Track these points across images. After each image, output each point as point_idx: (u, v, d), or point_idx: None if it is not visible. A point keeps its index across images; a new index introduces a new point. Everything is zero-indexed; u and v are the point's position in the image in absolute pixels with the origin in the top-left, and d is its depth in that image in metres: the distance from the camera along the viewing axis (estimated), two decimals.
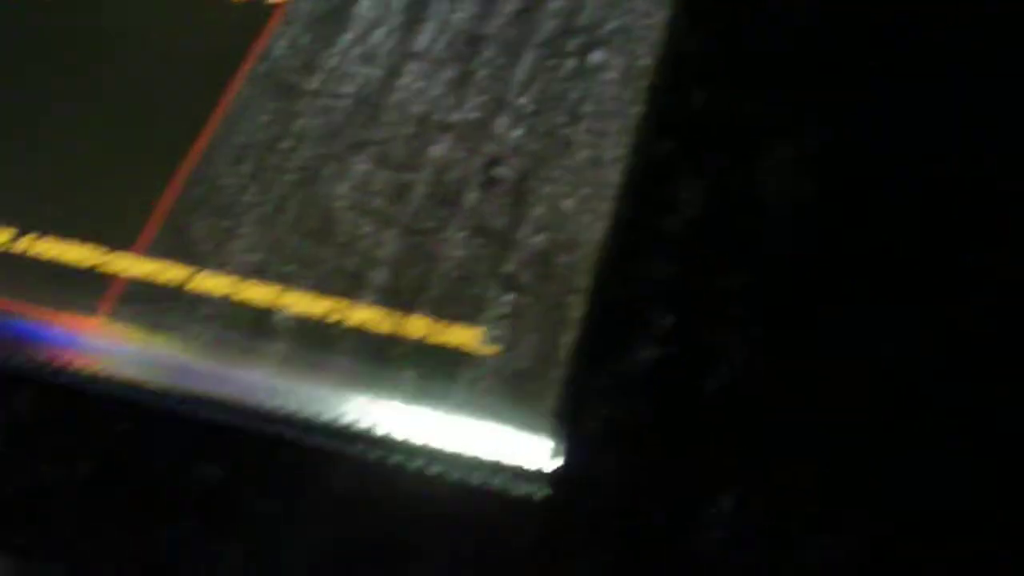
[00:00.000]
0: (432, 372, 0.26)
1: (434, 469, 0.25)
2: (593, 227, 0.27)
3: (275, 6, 0.32)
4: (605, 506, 0.24)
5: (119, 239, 0.28)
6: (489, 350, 0.26)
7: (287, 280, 0.27)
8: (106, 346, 0.27)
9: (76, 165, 0.30)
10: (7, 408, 0.27)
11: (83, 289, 0.27)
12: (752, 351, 0.26)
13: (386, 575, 0.24)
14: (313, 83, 0.30)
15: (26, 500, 0.25)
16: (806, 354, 0.26)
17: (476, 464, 0.25)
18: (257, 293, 0.27)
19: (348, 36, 0.31)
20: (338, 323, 0.26)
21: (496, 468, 0.25)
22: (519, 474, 0.25)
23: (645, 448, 0.25)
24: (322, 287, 0.27)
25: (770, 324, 0.26)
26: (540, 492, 0.25)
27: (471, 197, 0.28)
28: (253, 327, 0.26)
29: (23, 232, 0.28)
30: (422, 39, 0.31)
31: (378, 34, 0.31)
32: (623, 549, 0.24)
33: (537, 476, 0.25)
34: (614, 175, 0.28)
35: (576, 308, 0.26)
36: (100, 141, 0.30)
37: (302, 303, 0.27)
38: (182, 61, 0.31)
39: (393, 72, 0.30)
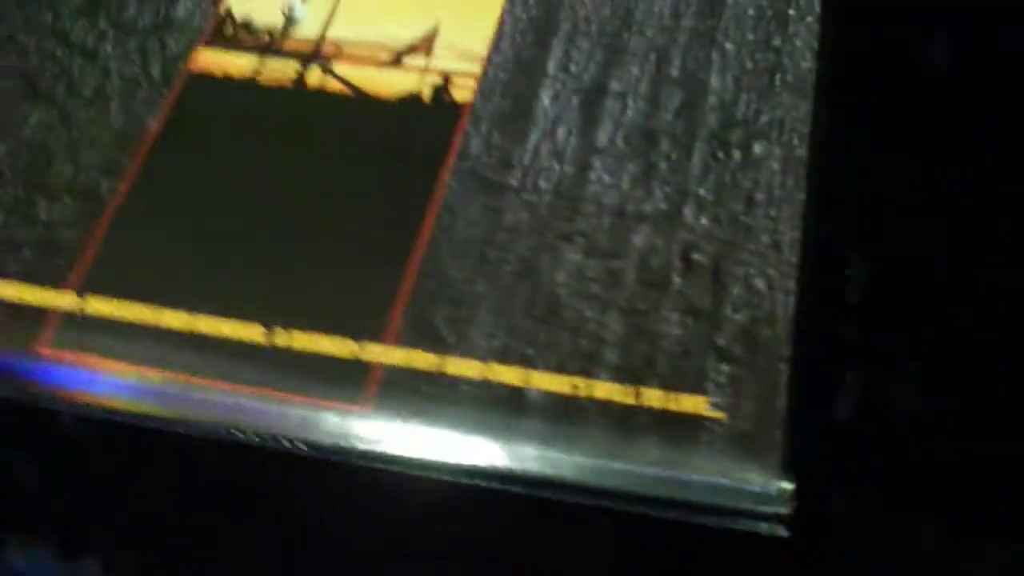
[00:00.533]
0: (672, 438, 0.30)
1: (692, 518, 0.30)
2: (785, 302, 0.32)
3: (462, 106, 0.36)
4: (837, 540, 0.29)
5: (369, 330, 0.32)
6: (716, 415, 0.31)
7: (529, 361, 0.31)
8: (375, 430, 0.31)
9: (314, 260, 0.33)
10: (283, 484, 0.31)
11: (345, 378, 0.31)
12: (933, 400, 0.31)
13: None
14: (513, 179, 0.35)
15: None
16: (988, 396, 0.31)
17: (720, 511, 0.30)
18: (506, 374, 0.31)
19: (535, 134, 0.35)
20: (582, 398, 0.31)
21: (738, 513, 0.30)
22: (759, 516, 0.30)
23: (866, 490, 0.30)
24: (562, 367, 0.31)
25: (941, 375, 0.32)
26: (779, 531, 0.30)
27: (676, 280, 0.33)
28: (507, 405, 0.31)
29: (275, 326, 0.32)
30: (602, 136, 0.35)
31: (561, 132, 0.35)
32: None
33: (775, 517, 0.30)
34: (793, 256, 0.33)
35: (783, 373, 0.31)
36: (331, 237, 0.34)
37: (547, 381, 0.31)
38: (390, 160, 0.35)
39: (582, 167, 0.35)
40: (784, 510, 0.29)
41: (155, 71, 0.38)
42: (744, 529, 0.30)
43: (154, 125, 0.37)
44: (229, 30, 0.39)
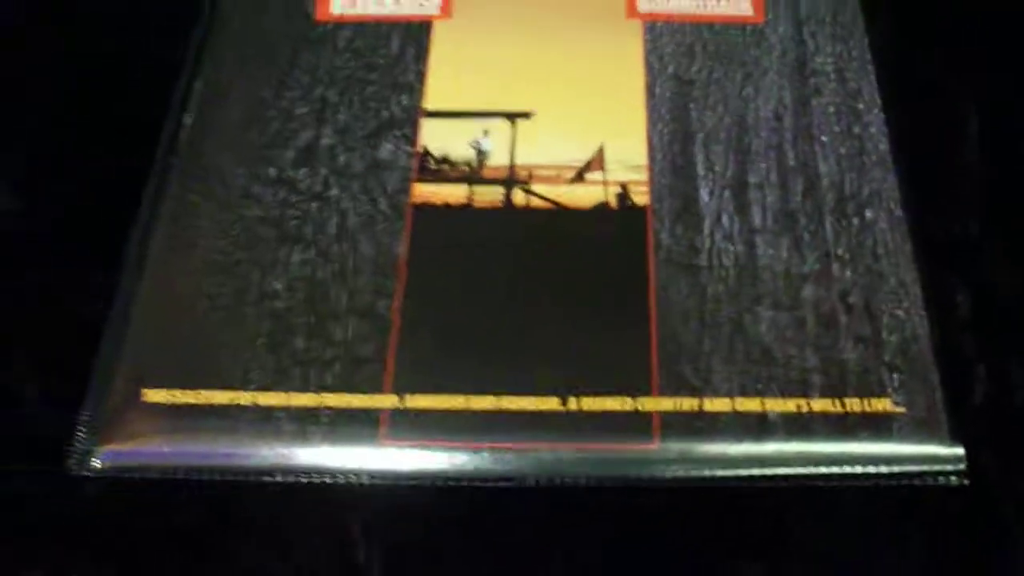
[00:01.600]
0: (875, 430, 0.43)
1: (900, 483, 0.43)
2: (921, 323, 0.46)
3: (644, 208, 0.48)
4: (997, 487, 0.43)
5: (639, 388, 0.44)
6: (899, 410, 0.44)
7: (761, 393, 0.44)
8: (657, 465, 0.43)
9: (579, 340, 0.45)
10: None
11: (631, 425, 0.43)
12: None
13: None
14: (703, 261, 0.47)
15: None
16: None
17: (918, 475, 0.43)
18: (748, 404, 0.44)
19: (707, 223, 0.48)
20: (805, 414, 0.44)
21: (930, 474, 0.43)
22: (944, 474, 0.43)
23: (1009, 450, 0.44)
24: (784, 393, 0.44)
25: None
26: (959, 481, 0.43)
27: (842, 319, 0.46)
28: (755, 426, 0.43)
29: (569, 394, 0.44)
30: (756, 218, 0.48)
31: (725, 219, 0.48)
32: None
33: (955, 473, 0.43)
34: (916, 290, 0.47)
35: (936, 374, 0.45)
36: (582, 322, 0.45)
37: (779, 405, 0.44)
38: (604, 256, 0.47)
39: (750, 244, 0.48)
40: (961, 467, 0.43)
41: (384, 206, 0.49)
42: (937, 484, 0.43)
43: (402, 250, 0.48)
44: (432, 165, 0.50)
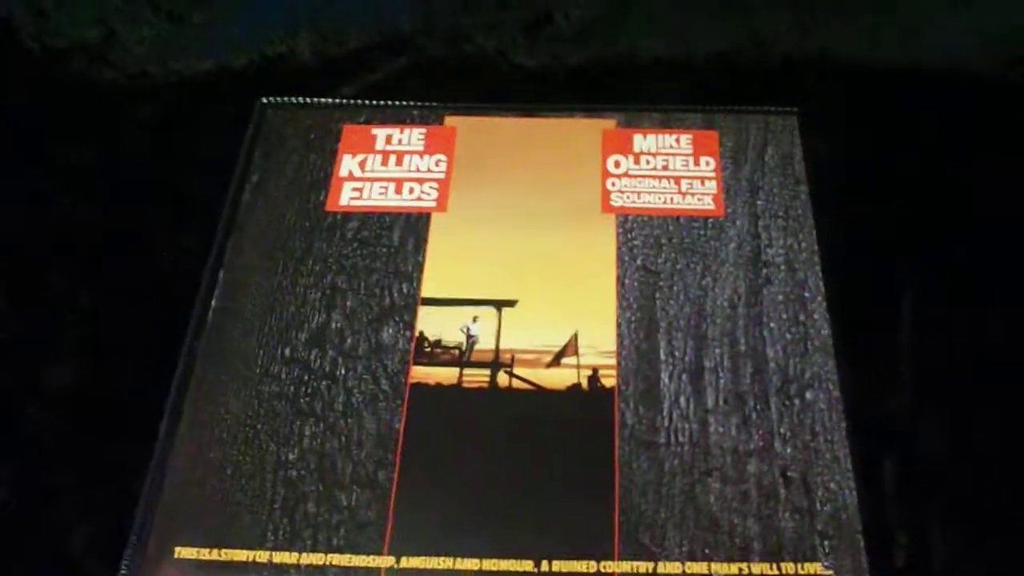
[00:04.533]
0: None
1: None
2: (851, 496, 0.57)
3: (612, 390, 0.60)
4: None
5: (601, 551, 0.55)
6: (829, 573, 0.55)
7: (708, 557, 0.55)
8: None
9: (548, 509, 0.56)
10: None
11: None
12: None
13: None
14: (661, 438, 0.58)
15: None
16: None
17: None
18: (696, 568, 0.55)
19: (665, 405, 0.59)
20: (748, 575, 0.54)
21: None
22: None
23: None
24: (729, 557, 0.55)
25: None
26: None
27: (782, 492, 0.57)
28: None
29: (542, 558, 0.55)
30: (709, 400, 0.60)
31: (682, 400, 0.60)
32: None
33: None
34: (848, 465, 0.58)
35: (860, 541, 0.55)
36: (552, 490, 0.56)
37: (724, 568, 0.55)
38: (575, 433, 0.58)
39: (703, 423, 0.59)
40: None
41: (385, 385, 0.60)
42: None
43: (400, 426, 0.59)
44: (427, 348, 0.62)
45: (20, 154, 0.70)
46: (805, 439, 0.58)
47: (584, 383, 0.60)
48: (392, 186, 0.68)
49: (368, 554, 0.55)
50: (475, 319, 0.62)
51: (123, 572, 0.55)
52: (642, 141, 0.69)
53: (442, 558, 0.54)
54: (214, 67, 0.74)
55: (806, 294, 0.63)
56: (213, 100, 0.73)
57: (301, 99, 0.72)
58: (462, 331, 0.62)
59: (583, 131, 0.70)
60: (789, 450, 0.58)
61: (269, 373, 0.61)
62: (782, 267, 0.64)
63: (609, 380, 0.60)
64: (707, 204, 0.66)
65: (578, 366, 0.60)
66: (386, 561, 0.54)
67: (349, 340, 0.62)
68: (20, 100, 0.72)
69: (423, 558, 0.54)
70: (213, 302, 0.64)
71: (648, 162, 0.68)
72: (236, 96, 0.71)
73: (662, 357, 0.61)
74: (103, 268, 0.67)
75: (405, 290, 0.63)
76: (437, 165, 0.69)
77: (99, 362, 0.63)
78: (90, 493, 0.59)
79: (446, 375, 0.60)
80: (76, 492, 0.59)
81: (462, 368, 0.61)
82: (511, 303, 0.63)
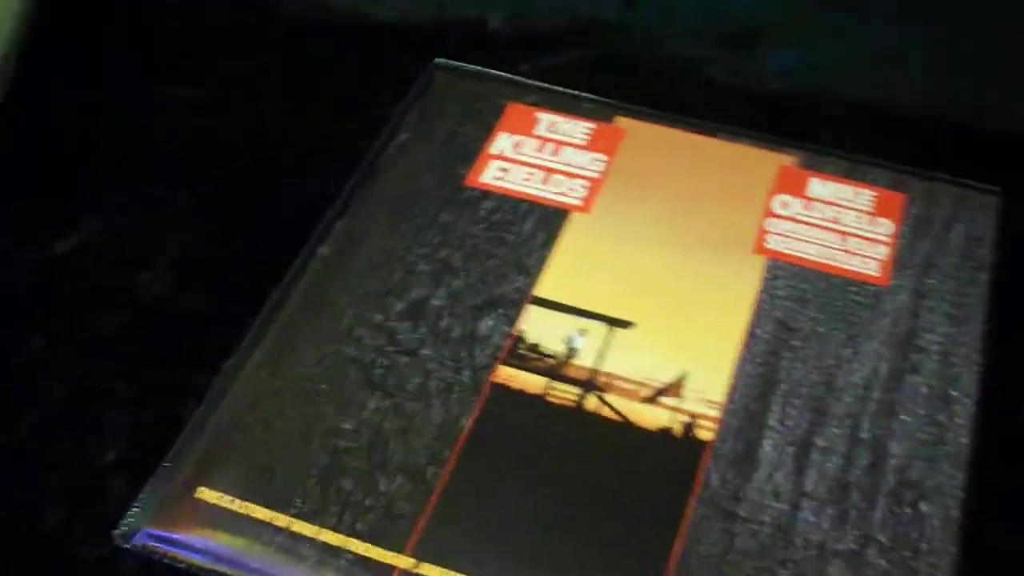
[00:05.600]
0: None
1: None
2: None
3: (706, 444, 0.52)
4: None
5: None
6: None
7: None
8: None
9: (587, 557, 0.49)
10: None
11: None
12: None
13: None
14: (742, 510, 0.50)
15: None
16: None
17: None
18: None
19: (760, 474, 0.51)
20: None
21: None
22: None
23: None
24: None
25: None
26: None
27: None
28: None
29: None
30: (809, 482, 0.51)
31: (779, 475, 0.51)
32: None
33: None
34: None
35: None
36: (601, 540, 0.49)
37: None
38: (649, 481, 0.51)
39: (794, 506, 0.50)
40: None
41: (466, 377, 0.54)
42: None
43: (467, 424, 0.52)
44: (522, 349, 0.55)
45: (186, 66, 0.67)
46: (904, 554, 0.49)
47: (678, 429, 0.52)
48: (541, 175, 0.62)
49: (389, 549, 0.49)
50: (582, 332, 0.55)
51: (142, 496, 0.51)
52: (819, 186, 0.61)
53: (460, 574, 0.48)
54: (398, 18, 0.69)
55: (953, 393, 0.53)
56: (390, 50, 0.68)
57: (476, 67, 0.66)
58: (564, 341, 0.55)
59: (757, 162, 0.62)
60: (883, 562, 0.48)
61: (352, 335, 0.56)
62: (935, 356, 0.54)
63: (706, 433, 0.52)
64: (872, 269, 0.58)
65: (677, 409, 0.53)
66: (404, 561, 0.48)
67: (445, 321, 0.56)
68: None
69: (443, 570, 0.48)
70: (322, 248, 0.59)
71: (819, 210, 0.60)
72: (412, 51, 0.67)
73: (771, 423, 0.52)
74: (227, 189, 0.63)
75: (519, 284, 0.57)
76: (594, 163, 0.62)
77: (192, 281, 0.59)
78: (141, 409, 0.55)
79: (533, 383, 0.54)
80: (128, 405, 0.55)
81: (553, 380, 0.54)
82: (626, 324, 0.56)
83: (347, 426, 0.53)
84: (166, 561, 0.50)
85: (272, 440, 0.52)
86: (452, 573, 0.48)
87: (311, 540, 0.49)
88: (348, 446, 0.52)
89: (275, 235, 0.61)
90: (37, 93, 0.67)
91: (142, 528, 0.50)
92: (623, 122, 0.64)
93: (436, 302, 0.57)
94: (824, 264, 0.58)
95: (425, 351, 0.55)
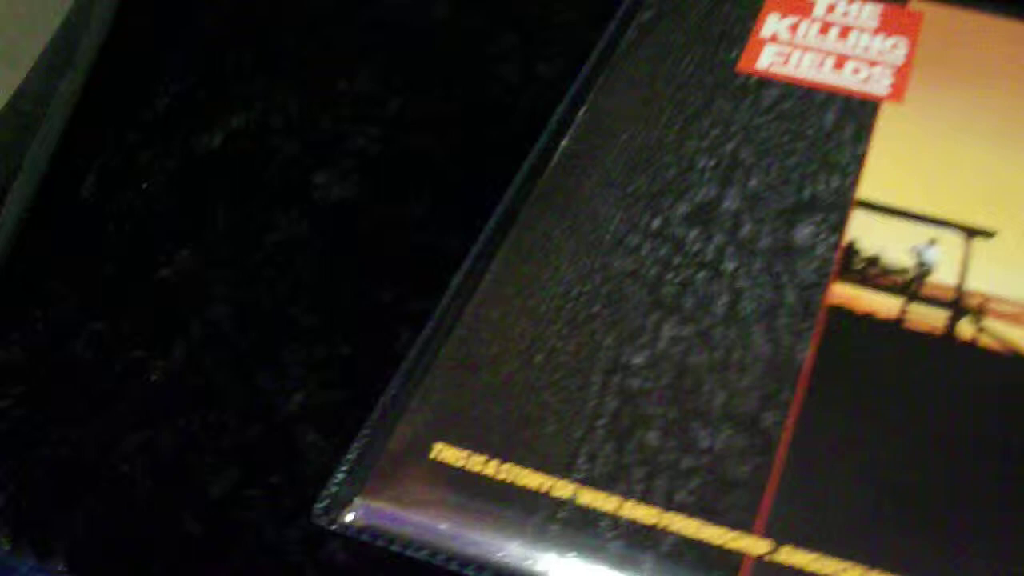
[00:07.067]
0: None
1: None
2: None
3: None
4: None
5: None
6: None
7: None
8: None
9: (976, 516, 0.32)
10: None
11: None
12: None
13: None
14: None
15: None
16: None
17: None
18: None
19: None
20: None
21: None
22: None
23: None
24: None
25: None
26: None
27: None
28: None
29: None
30: None
31: None
32: None
33: None
34: None
35: None
36: (990, 495, 0.32)
37: None
38: None
39: None
40: None
41: (791, 297, 0.38)
42: None
43: (807, 357, 0.36)
44: (857, 264, 0.39)
45: None
46: None
47: None
48: (831, 60, 0.45)
49: (732, 528, 0.32)
50: (932, 242, 0.39)
51: (348, 458, 0.34)
52: None
53: (838, 560, 0.31)
54: None
55: None
56: None
57: None
58: (912, 254, 0.39)
59: None
60: None
61: (625, 244, 0.39)
62: None
63: None
64: None
65: None
66: (758, 546, 0.32)
67: (747, 228, 0.39)
68: None
69: (815, 555, 0.31)
70: (564, 141, 0.42)
71: None
72: None
73: None
74: (430, 73, 0.47)
75: (834, 185, 0.41)
76: (895, 48, 0.46)
77: (381, 185, 0.43)
78: (335, 340, 0.38)
79: (883, 305, 0.37)
80: (316, 336, 0.38)
81: (908, 301, 0.37)
82: (987, 234, 0.39)
83: (637, 360, 0.36)
84: (387, 545, 0.33)
85: (534, 378, 0.36)
86: (826, 559, 0.31)
87: (611, 517, 0.32)
88: (643, 387, 0.35)
89: (495, 128, 0.44)
90: None
91: (353, 501, 0.34)
92: (919, 5, 0.48)
93: (729, 204, 0.40)
94: None
95: (728, 264, 0.39)
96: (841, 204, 0.41)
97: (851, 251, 0.39)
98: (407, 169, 0.44)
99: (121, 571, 0.36)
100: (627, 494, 0.33)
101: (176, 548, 0.36)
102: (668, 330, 0.37)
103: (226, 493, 0.36)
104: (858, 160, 0.42)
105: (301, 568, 0.34)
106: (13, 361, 0.40)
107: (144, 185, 0.44)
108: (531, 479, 0.34)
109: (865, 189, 0.41)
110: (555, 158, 0.42)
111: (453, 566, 0.33)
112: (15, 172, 0.43)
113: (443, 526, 0.33)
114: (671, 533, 0.32)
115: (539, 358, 0.36)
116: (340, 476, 0.35)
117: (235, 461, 0.37)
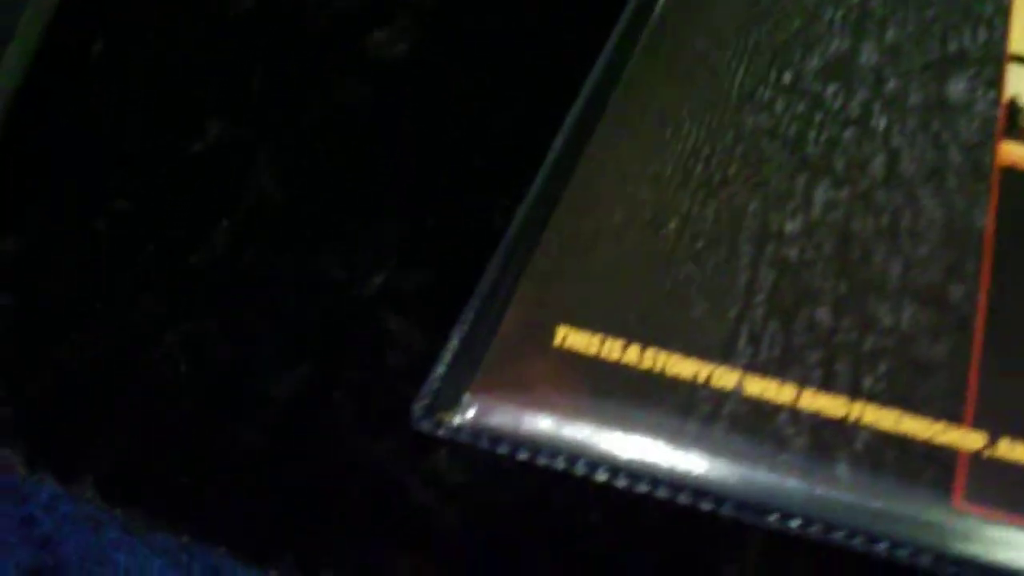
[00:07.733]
0: None
1: None
2: None
3: None
4: None
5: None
6: None
7: None
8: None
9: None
10: None
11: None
12: None
13: None
14: None
15: None
16: None
17: None
18: None
19: None
20: None
21: None
22: None
23: None
24: None
25: None
26: None
27: None
28: None
29: None
30: None
31: None
32: None
33: None
34: None
35: None
36: None
37: None
38: None
39: None
40: None
41: (956, 157, 0.31)
42: None
43: (987, 223, 0.30)
44: (1022, 122, 0.33)
45: None
46: None
47: None
48: None
49: (937, 419, 0.26)
50: None
51: (451, 346, 0.27)
52: None
53: None
54: None
55: None
56: None
57: None
58: None
59: None
60: None
61: (756, 99, 0.32)
62: None
63: None
64: None
65: None
66: (971, 439, 0.25)
67: (892, 83, 0.33)
68: None
69: None
70: None
71: None
72: None
73: None
74: None
75: (981, 38, 0.34)
76: None
77: (446, 37, 0.36)
78: (418, 213, 0.31)
79: None
80: (396, 208, 0.31)
81: None
82: None
83: (789, 227, 0.30)
84: (510, 452, 0.27)
85: (668, 251, 0.29)
86: None
87: (788, 411, 0.26)
88: (802, 257, 0.29)
89: None
90: None
91: (462, 398, 0.27)
92: None
93: (867, 58, 0.34)
94: None
95: (879, 122, 0.32)
96: (994, 58, 0.34)
97: (1015, 108, 0.33)
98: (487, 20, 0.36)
99: (162, 499, 0.29)
100: (805, 382, 0.27)
101: (233, 468, 0.29)
102: (821, 193, 0.31)
103: (293, 395, 0.29)
104: (1004, 12, 0.36)
105: (403, 486, 0.27)
106: (17, 248, 0.33)
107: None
108: (684, 366, 0.27)
109: (1017, 43, 0.35)
110: (658, 5, 0.36)
111: (600, 475, 0.26)
112: (6, 37, 0.35)
113: (579, 426, 0.27)
114: (865, 427, 0.26)
115: (672, 226, 0.30)
116: (442, 370, 0.28)
117: (304, 355, 0.30)
